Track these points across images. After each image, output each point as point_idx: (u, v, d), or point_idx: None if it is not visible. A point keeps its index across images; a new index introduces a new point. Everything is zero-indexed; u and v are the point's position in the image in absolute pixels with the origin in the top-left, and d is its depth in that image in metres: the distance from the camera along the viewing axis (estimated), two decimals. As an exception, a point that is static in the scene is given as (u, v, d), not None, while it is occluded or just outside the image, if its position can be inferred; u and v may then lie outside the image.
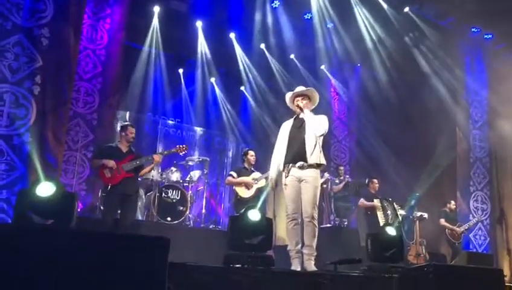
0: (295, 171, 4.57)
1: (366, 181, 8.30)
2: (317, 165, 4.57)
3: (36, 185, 2.96)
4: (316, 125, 4.63)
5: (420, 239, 8.30)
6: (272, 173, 4.78)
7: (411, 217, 8.39)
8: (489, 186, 9.73)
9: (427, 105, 9.29)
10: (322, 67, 10.42)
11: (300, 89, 4.95)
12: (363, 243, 8.00)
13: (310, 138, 4.60)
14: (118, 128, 7.08)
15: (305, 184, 4.53)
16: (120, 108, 8.54)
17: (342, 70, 10.57)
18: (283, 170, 4.65)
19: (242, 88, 10.41)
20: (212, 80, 10.13)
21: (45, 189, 2.94)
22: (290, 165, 4.59)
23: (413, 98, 9.53)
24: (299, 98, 4.83)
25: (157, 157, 5.88)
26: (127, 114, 8.73)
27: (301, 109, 4.75)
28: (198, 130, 10.01)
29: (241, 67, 10.02)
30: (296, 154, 4.59)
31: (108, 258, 2.50)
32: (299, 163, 4.54)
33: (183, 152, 6.42)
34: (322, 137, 4.67)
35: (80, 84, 7.73)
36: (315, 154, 4.55)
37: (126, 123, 6.40)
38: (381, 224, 7.76)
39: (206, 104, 10.09)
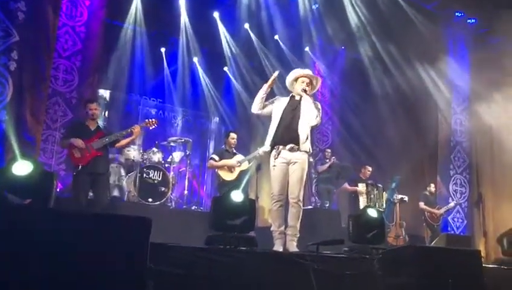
0: (285, 154, 4.55)
1: (359, 167, 8.41)
2: (303, 150, 4.58)
3: (12, 164, 2.87)
4: (313, 116, 4.57)
5: (400, 221, 8.44)
6: (266, 146, 4.69)
7: (391, 199, 8.51)
8: (469, 170, 9.90)
9: (410, 89, 9.33)
10: (306, 49, 10.35)
11: (308, 72, 4.85)
12: (344, 225, 8.14)
13: (304, 124, 4.59)
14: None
15: (293, 166, 4.54)
16: (100, 87, 8.35)
17: (326, 53, 10.52)
18: (271, 151, 4.60)
19: (225, 69, 10.29)
20: (195, 59, 9.97)
21: (22, 168, 2.84)
22: (280, 147, 4.56)
23: (396, 82, 9.56)
24: (305, 81, 4.73)
25: (137, 128, 5.70)
26: (107, 93, 8.55)
27: (305, 92, 4.64)
28: (181, 110, 9.88)
29: (225, 47, 9.87)
30: (288, 136, 4.57)
31: (88, 238, 2.44)
32: (290, 145, 4.53)
33: (153, 126, 6.12)
34: None
35: (59, 62, 7.54)
36: (307, 141, 4.58)
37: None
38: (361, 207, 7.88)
39: (188, 85, 9.93)
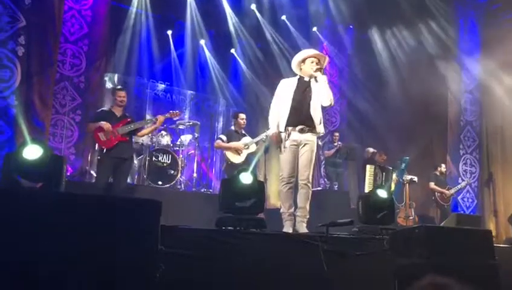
0: (295, 135, 4.54)
1: (374, 151, 8.36)
2: (318, 132, 4.59)
3: (23, 148, 2.88)
4: (328, 96, 4.55)
5: (409, 202, 8.41)
6: (272, 128, 4.67)
7: (401, 180, 8.47)
8: (479, 149, 9.80)
9: (420, 68, 9.21)
10: (314, 29, 10.22)
11: (315, 51, 4.78)
12: (353, 206, 8.14)
13: (316, 106, 4.57)
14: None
15: (303, 148, 4.55)
16: (108, 71, 8.34)
17: (334, 32, 10.38)
18: (284, 132, 4.57)
19: (232, 50, 10.20)
20: (202, 42, 9.90)
21: (32, 152, 2.86)
22: (290, 128, 4.54)
23: (406, 61, 9.44)
24: (315, 61, 4.64)
25: (161, 118, 5.92)
26: (115, 77, 8.53)
27: (320, 70, 4.57)
28: (189, 93, 9.84)
29: (231, 29, 9.78)
30: (300, 118, 4.54)
31: (99, 221, 2.46)
32: (300, 127, 4.52)
33: (176, 118, 6.42)
34: None
35: (66, 46, 7.53)
36: (322, 123, 4.59)
37: (115, 87, 6.30)
38: (366, 190, 7.87)
39: (195, 67, 9.87)
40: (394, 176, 8.40)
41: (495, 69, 9.19)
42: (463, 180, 9.39)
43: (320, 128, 4.61)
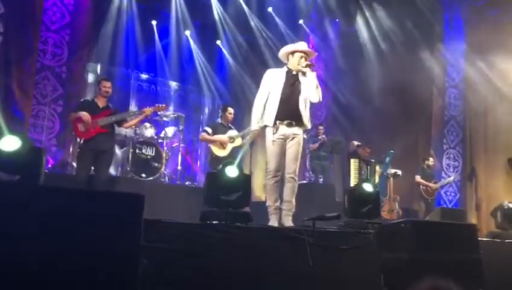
0: (283, 129, 4.50)
1: (358, 144, 8.35)
2: (305, 126, 4.59)
3: (0, 139, 2.77)
4: (314, 93, 4.54)
5: (394, 195, 8.44)
6: (254, 124, 4.66)
7: (385, 173, 8.48)
8: (462, 144, 9.89)
9: (406, 62, 9.22)
10: (301, 22, 10.16)
11: (305, 46, 4.70)
12: (338, 199, 8.14)
13: (304, 100, 4.56)
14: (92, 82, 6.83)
15: (290, 141, 4.53)
16: (90, 61, 8.16)
17: (320, 25, 10.33)
18: (271, 126, 4.52)
19: (218, 42, 10.09)
20: (187, 33, 9.76)
21: (9, 143, 2.75)
22: (278, 122, 4.50)
23: (392, 55, 9.44)
24: (304, 56, 4.59)
25: (148, 111, 5.79)
26: (98, 67, 8.35)
27: (309, 67, 4.54)
28: (173, 84, 9.71)
29: (217, 20, 9.66)
30: (288, 113, 4.51)
31: (80, 215, 2.38)
32: (288, 121, 4.49)
33: (162, 111, 6.29)
34: None
35: (48, 35, 7.34)
36: (309, 120, 4.60)
37: (101, 77, 6.16)
38: (352, 184, 7.87)
39: (180, 59, 9.73)
40: (377, 168, 8.40)
41: (479, 65, 9.27)
42: (446, 174, 9.47)
43: (308, 123, 4.61)
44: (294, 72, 4.62)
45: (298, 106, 4.52)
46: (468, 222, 7.15)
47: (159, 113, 6.22)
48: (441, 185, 9.00)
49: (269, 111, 4.53)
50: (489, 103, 9.45)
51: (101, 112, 5.55)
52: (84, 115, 5.37)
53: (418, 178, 8.78)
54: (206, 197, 3.78)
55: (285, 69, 4.68)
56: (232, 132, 6.67)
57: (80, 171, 5.50)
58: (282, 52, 4.74)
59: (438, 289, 1.19)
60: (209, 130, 6.64)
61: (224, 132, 6.61)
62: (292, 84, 4.57)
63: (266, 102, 4.57)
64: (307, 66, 4.54)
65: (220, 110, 7.05)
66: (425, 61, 9.31)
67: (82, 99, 5.95)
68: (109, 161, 5.78)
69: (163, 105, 6.21)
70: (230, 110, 6.76)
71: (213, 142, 6.56)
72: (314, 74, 4.59)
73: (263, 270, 3.42)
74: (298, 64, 4.57)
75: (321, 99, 4.69)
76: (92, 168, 5.59)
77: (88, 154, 5.44)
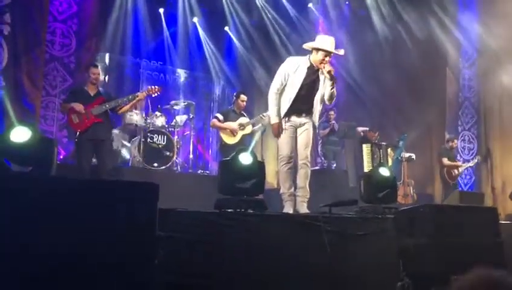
0: (293, 118, 4.52)
1: (364, 130, 8.23)
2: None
3: (10, 131, 2.73)
4: (331, 96, 4.50)
5: (408, 180, 8.32)
6: (273, 117, 4.54)
7: (399, 158, 8.36)
8: (477, 126, 9.71)
9: (419, 44, 9.04)
10: (310, 5, 9.98)
11: (332, 46, 4.46)
12: (351, 185, 8.06)
13: (321, 98, 4.55)
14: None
15: (301, 128, 4.53)
16: (99, 50, 8.09)
17: (330, 8, 10.13)
18: (284, 117, 4.50)
19: (226, 28, 9.96)
20: (195, 19, 9.64)
21: (20, 134, 2.70)
22: (291, 112, 4.50)
23: (405, 38, 9.25)
24: (328, 60, 4.42)
25: (141, 94, 5.66)
26: (107, 56, 8.29)
27: (330, 76, 4.41)
28: (182, 72, 9.62)
29: (225, 6, 9.53)
30: (303, 108, 4.51)
31: (93, 206, 2.33)
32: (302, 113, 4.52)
33: (156, 94, 6.07)
34: None
35: (55, 26, 7.29)
36: (319, 114, 4.67)
37: (88, 63, 6.00)
38: (365, 169, 7.77)
39: (189, 46, 9.63)
40: (389, 151, 8.27)
41: (493, 45, 9.05)
42: (461, 157, 9.30)
43: (316, 119, 4.62)
44: (315, 68, 4.48)
45: (313, 103, 4.54)
46: (488, 205, 7.02)
47: (153, 95, 6.01)
48: (466, 168, 8.79)
49: (284, 103, 4.48)
50: (504, 84, 9.24)
51: (93, 101, 5.40)
52: (77, 105, 5.23)
53: (445, 161, 8.46)
54: (220, 185, 3.72)
55: (307, 62, 4.50)
56: (243, 119, 6.59)
57: (82, 163, 5.34)
58: (309, 44, 4.55)
59: (491, 279, 1.11)
60: (220, 116, 6.57)
61: (236, 119, 6.54)
62: (313, 81, 4.50)
63: (282, 93, 4.50)
64: (328, 73, 4.39)
65: (233, 96, 6.95)
66: (439, 42, 9.10)
67: (72, 88, 5.80)
68: (110, 149, 5.70)
69: (156, 87, 5.98)
70: (243, 97, 6.67)
71: (223, 129, 6.50)
72: (333, 81, 4.45)
73: (280, 258, 3.37)
74: (321, 64, 4.41)
75: (331, 103, 4.79)
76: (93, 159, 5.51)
77: (87, 145, 5.31)
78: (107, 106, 5.41)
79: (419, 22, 9.13)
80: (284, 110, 4.48)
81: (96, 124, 5.33)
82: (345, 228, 3.73)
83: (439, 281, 3.27)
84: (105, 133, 5.49)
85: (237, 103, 6.66)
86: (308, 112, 4.54)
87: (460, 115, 9.62)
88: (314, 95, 4.52)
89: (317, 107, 4.55)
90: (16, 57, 5.97)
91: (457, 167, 8.53)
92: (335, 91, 4.51)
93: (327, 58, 4.40)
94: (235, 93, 7.06)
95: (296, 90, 4.42)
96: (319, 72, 4.48)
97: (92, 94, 5.45)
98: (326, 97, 4.55)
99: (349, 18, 10.38)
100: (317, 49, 4.42)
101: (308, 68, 4.48)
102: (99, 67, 5.63)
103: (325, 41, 4.48)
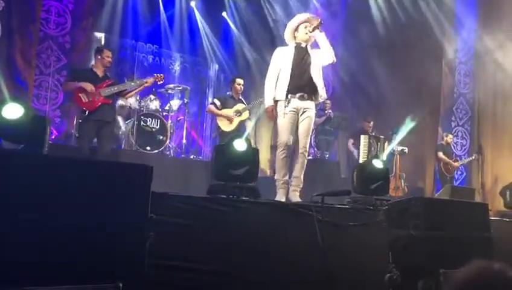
0: (295, 102, 4.45)
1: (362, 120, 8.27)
2: (321, 95, 4.55)
3: (2, 107, 2.68)
4: (327, 53, 4.50)
5: (400, 173, 8.36)
6: (268, 100, 4.56)
7: (392, 150, 8.38)
8: (471, 122, 9.75)
9: (416, 38, 9.01)
10: (309, -6, 9.91)
11: (306, 15, 4.65)
12: (343, 175, 8.08)
13: (317, 70, 4.51)
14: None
15: (302, 115, 4.48)
16: (94, 30, 7.98)
17: (329, -1, 10.08)
18: (283, 100, 4.46)
19: (224, 14, 9.87)
20: (192, 3, 9.54)
21: (12, 111, 2.66)
22: (290, 95, 4.44)
23: (402, 30, 9.22)
24: (307, 26, 4.53)
25: (150, 80, 5.75)
26: (102, 37, 8.18)
27: (316, 29, 4.47)
28: (178, 56, 9.54)
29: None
30: (301, 85, 4.46)
31: (86, 186, 2.31)
32: (300, 94, 4.45)
33: (160, 82, 6.18)
34: None
35: (50, 4, 7.19)
36: (324, 89, 4.55)
37: (101, 46, 6.02)
38: (361, 161, 7.78)
39: (185, 30, 9.54)
40: (386, 145, 8.30)
41: (490, 41, 9.05)
42: (453, 152, 9.34)
43: (323, 92, 4.56)
44: (303, 45, 4.57)
45: (311, 76, 4.48)
46: (479, 201, 7.08)
47: (158, 83, 6.10)
48: (462, 164, 8.91)
49: (280, 86, 4.47)
50: (498, 81, 9.26)
51: (102, 82, 5.41)
52: (88, 85, 5.23)
53: (440, 154, 8.64)
54: (213, 170, 3.71)
55: (293, 44, 4.62)
56: (240, 106, 6.55)
57: (82, 143, 5.41)
58: (287, 33, 4.68)
59: (491, 272, 1.11)
60: (218, 102, 6.53)
61: (233, 105, 6.49)
62: (302, 58, 4.52)
63: (277, 79, 4.50)
64: (314, 29, 4.48)
65: (229, 82, 6.91)
66: (436, 36, 9.09)
67: (80, 69, 5.80)
68: (112, 131, 5.72)
69: (162, 75, 6.12)
70: (239, 80, 6.62)
71: (219, 116, 6.46)
72: (323, 34, 4.54)
73: (271, 245, 3.37)
74: (306, 34, 4.51)
75: (335, 60, 4.62)
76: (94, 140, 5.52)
77: (92, 126, 5.34)
78: (116, 88, 5.44)
79: (416, 16, 9.11)
80: (282, 92, 4.44)
81: (105, 105, 5.34)
82: (337, 218, 3.73)
83: (428, 274, 3.30)
84: (111, 114, 5.53)
85: (234, 87, 6.61)
86: (310, 92, 4.48)
87: (455, 110, 9.65)
88: (310, 71, 4.48)
89: (320, 82, 4.51)
90: (9, 33, 5.88)
91: (450, 162, 8.61)
92: (329, 44, 4.54)
93: (309, 28, 4.50)
94: (231, 79, 7.01)
95: (289, 71, 4.45)
96: (308, 48, 4.57)
97: (100, 76, 5.46)
98: (325, 54, 4.50)
99: (347, 8, 10.34)
100: (297, 28, 4.57)
101: (295, 48, 4.56)
102: (111, 51, 5.65)
103: (296, 16, 4.67)
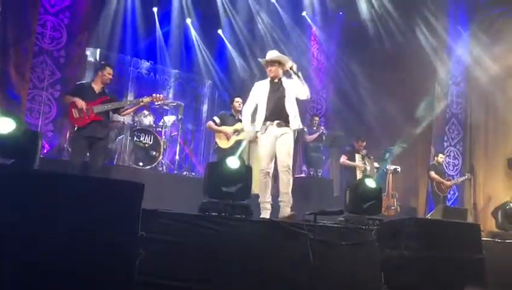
0: (272, 129, 4.64)
1: (355, 139, 8.30)
2: (293, 125, 4.69)
3: (-6, 121, 2.65)
4: (303, 91, 4.69)
5: (392, 192, 8.36)
6: (246, 126, 4.86)
7: (384, 169, 8.40)
8: (463, 142, 9.81)
9: (409, 59, 9.13)
10: (304, 13, 10.04)
11: (271, 55, 4.82)
12: (336, 194, 8.07)
13: (291, 101, 4.69)
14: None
15: (280, 138, 4.62)
16: (90, 45, 7.99)
17: (323, 18, 10.20)
18: (260, 130, 4.68)
19: (219, 32, 9.95)
20: (188, 21, 9.62)
21: (4, 125, 2.64)
22: (268, 123, 4.65)
23: (396, 51, 9.33)
24: (272, 69, 4.73)
25: (146, 100, 5.69)
26: (97, 52, 8.19)
27: (291, 69, 4.70)
28: (173, 72, 9.55)
29: (220, 9, 9.53)
30: (276, 115, 4.66)
31: (76, 202, 2.28)
32: (277, 121, 4.64)
33: (159, 102, 6.18)
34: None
35: (46, 18, 7.19)
36: (296, 118, 4.69)
37: (104, 62, 6.00)
38: (358, 177, 7.79)
39: (181, 47, 9.60)
40: (375, 164, 8.34)
41: (482, 62, 9.17)
42: (446, 172, 9.38)
43: (296, 123, 4.69)
44: (276, 80, 4.78)
45: (285, 107, 4.66)
46: (471, 221, 7.08)
47: (155, 103, 6.09)
48: (455, 183, 8.93)
49: (259, 118, 4.70)
50: (490, 102, 9.36)
51: (97, 98, 5.38)
52: (79, 101, 5.19)
53: (432, 174, 8.65)
54: (206, 187, 3.69)
55: (268, 78, 4.82)
56: (239, 125, 6.56)
57: (74, 159, 5.36)
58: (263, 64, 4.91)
59: None
60: (217, 120, 6.59)
61: (233, 124, 6.53)
62: (276, 91, 4.73)
63: (255, 112, 4.75)
64: (291, 69, 4.69)
65: (229, 102, 6.99)
66: (429, 58, 9.20)
67: (78, 82, 5.78)
68: (104, 148, 5.67)
69: (161, 95, 6.05)
70: (238, 99, 6.67)
71: (218, 132, 6.50)
72: (296, 76, 4.70)
73: (262, 264, 3.34)
74: (269, 73, 4.73)
75: (309, 96, 4.83)
76: (87, 155, 5.48)
77: (82, 142, 5.30)
78: (110, 106, 5.41)
79: (410, 36, 9.24)
80: (259, 123, 4.67)
81: (95, 122, 5.29)
82: (329, 237, 3.72)
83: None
84: (103, 131, 5.44)
85: (233, 106, 6.69)
86: (286, 120, 4.64)
87: (447, 130, 9.71)
88: (284, 102, 4.66)
89: (292, 112, 4.66)
90: (4, 46, 5.87)
91: (442, 181, 8.64)
92: (304, 84, 4.69)
93: (270, 67, 4.73)
94: (229, 99, 7.09)
95: (265, 104, 4.68)
96: (282, 81, 4.76)
97: (97, 92, 5.43)
98: (298, 93, 4.70)
99: (341, 28, 10.47)
100: (265, 65, 4.82)
101: (270, 82, 4.80)
102: (113, 68, 5.64)
103: (269, 53, 4.91)
